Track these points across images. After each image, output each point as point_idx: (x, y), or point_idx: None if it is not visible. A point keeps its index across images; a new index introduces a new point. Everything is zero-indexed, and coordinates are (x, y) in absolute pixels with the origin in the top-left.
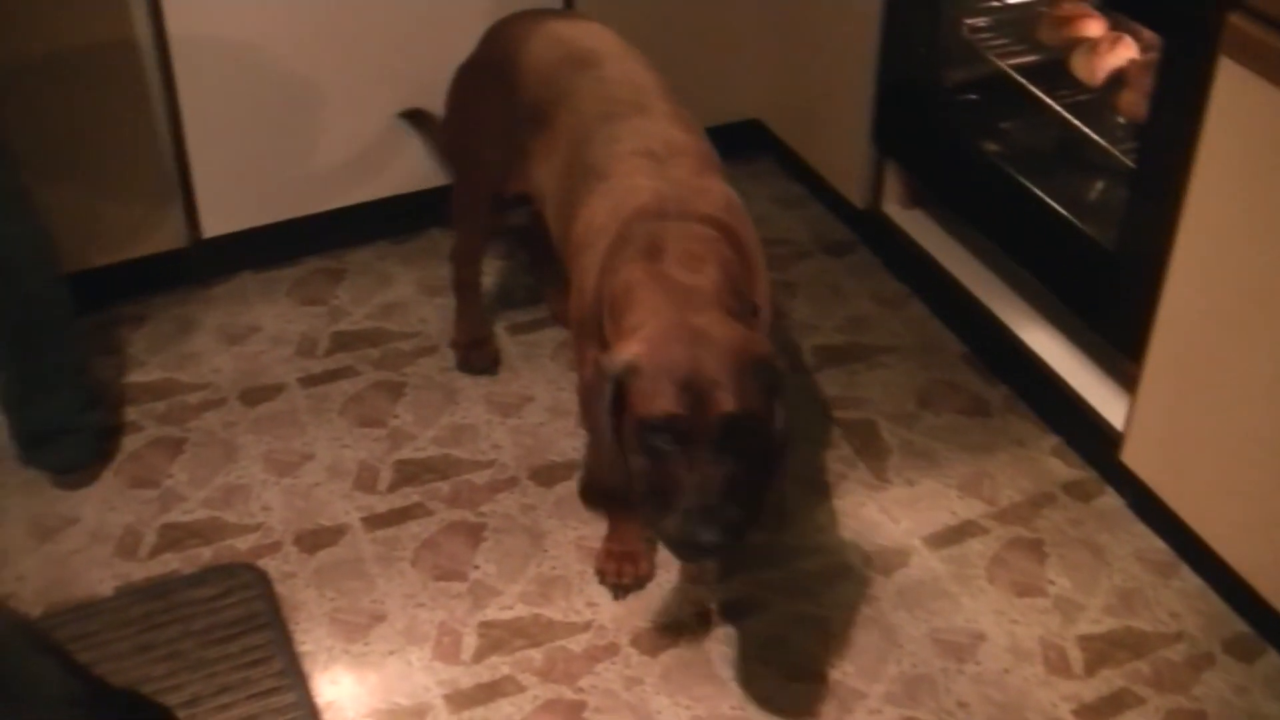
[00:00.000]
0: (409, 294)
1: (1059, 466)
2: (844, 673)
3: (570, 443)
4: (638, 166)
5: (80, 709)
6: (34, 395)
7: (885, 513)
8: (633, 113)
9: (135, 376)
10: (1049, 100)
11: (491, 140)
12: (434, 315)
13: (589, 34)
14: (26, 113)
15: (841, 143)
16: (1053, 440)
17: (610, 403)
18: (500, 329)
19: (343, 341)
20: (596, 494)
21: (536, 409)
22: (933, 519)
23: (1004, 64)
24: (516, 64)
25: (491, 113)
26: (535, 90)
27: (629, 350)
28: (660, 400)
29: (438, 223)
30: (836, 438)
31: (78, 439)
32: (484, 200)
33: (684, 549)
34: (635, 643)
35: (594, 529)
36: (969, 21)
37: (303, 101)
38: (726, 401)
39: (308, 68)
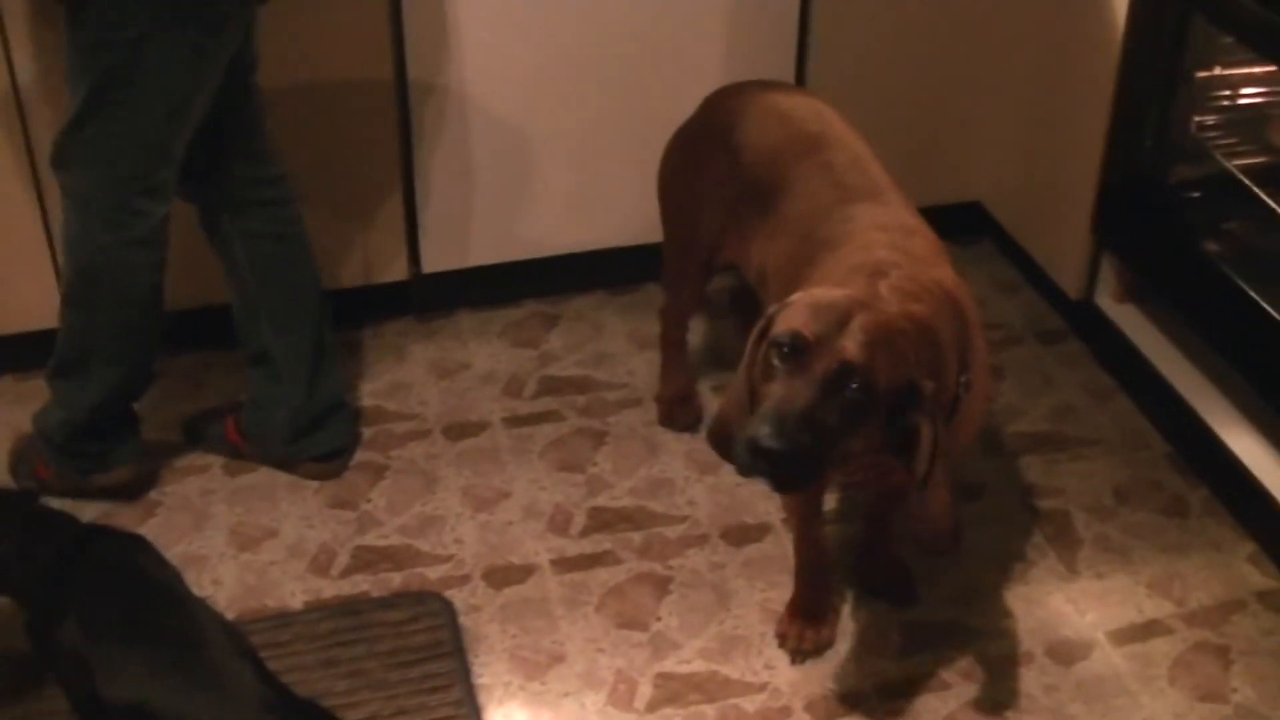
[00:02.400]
0: (620, 345)
1: (1254, 574)
2: None
3: (765, 506)
4: (875, 240)
5: (273, 714)
6: (324, 367)
7: (1072, 603)
8: (867, 198)
9: (349, 401)
10: (1275, 205)
11: (707, 209)
12: (642, 368)
13: (813, 114)
14: (283, 133)
15: (1061, 231)
16: (1250, 547)
17: (759, 334)
18: (705, 387)
19: (551, 386)
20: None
21: (733, 469)
22: (1119, 614)
23: (1231, 164)
24: (737, 138)
25: (708, 182)
26: (757, 169)
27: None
28: (793, 320)
29: (654, 278)
30: (1030, 524)
31: (343, 418)
32: (695, 265)
33: (745, 449)
34: (810, 708)
35: (780, 593)
36: (1198, 119)
37: (530, 149)
38: (852, 351)
39: (536, 117)
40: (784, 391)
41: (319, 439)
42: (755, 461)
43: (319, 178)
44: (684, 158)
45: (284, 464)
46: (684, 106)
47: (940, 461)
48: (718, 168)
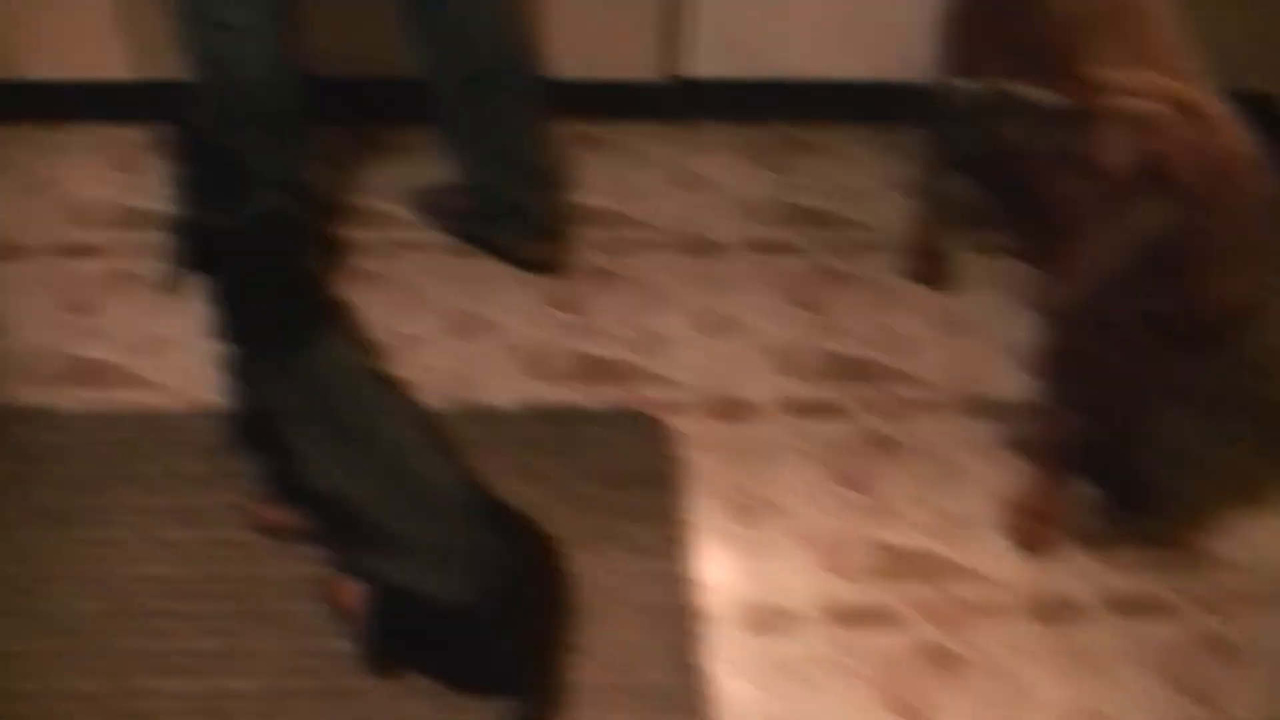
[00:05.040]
0: (873, 185)
1: None
2: (1234, 702)
3: (1008, 383)
4: None
5: (474, 516)
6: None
7: None
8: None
9: (580, 199)
10: None
11: (991, 59)
12: (891, 213)
13: None
14: None
15: None
16: None
17: None
18: (958, 244)
19: (794, 215)
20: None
21: (980, 337)
22: None
23: None
24: None
25: (1001, 33)
26: (1057, 29)
27: None
28: None
29: (914, 119)
30: None
31: (527, 216)
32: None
33: None
34: (1030, 608)
35: (1012, 478)
36: None
37: None
38: None
39: None
40: None
41: (523, 220)
42: None
43: None
44: (978, 4)
45: (496, 248)
46: None
47: None
48: (1014, 20)
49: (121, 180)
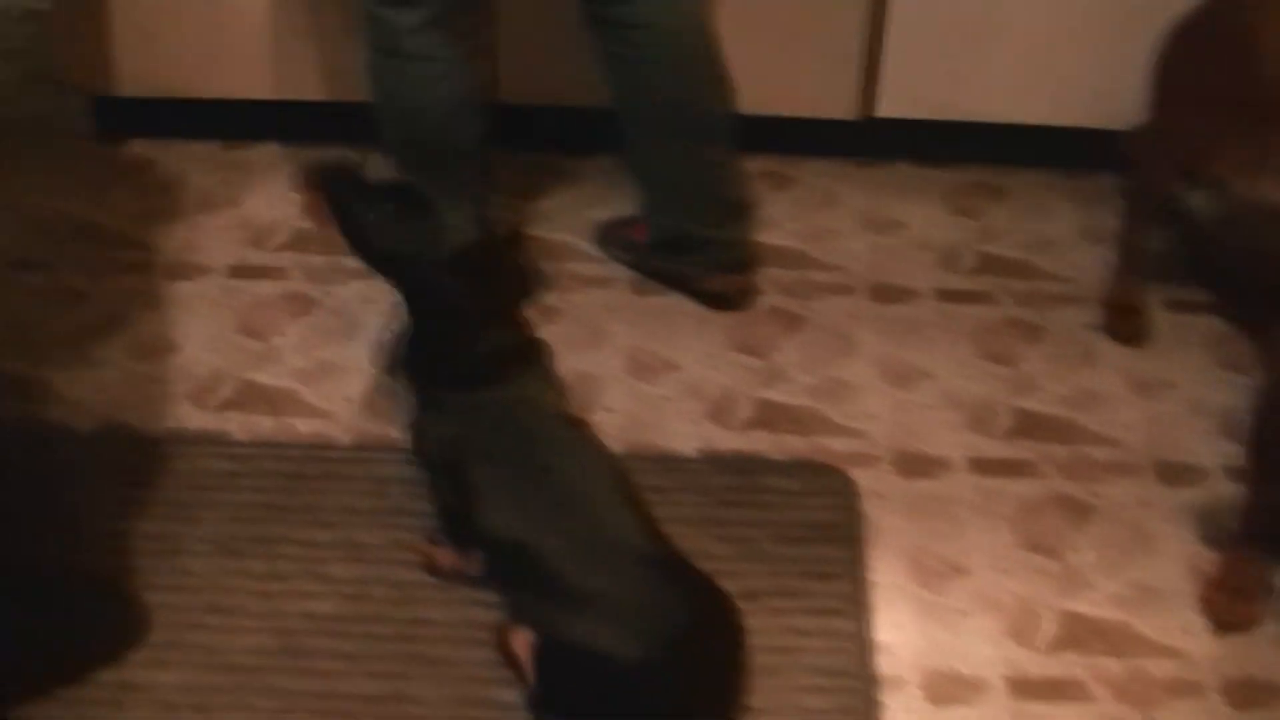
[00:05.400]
0: (1067, 234)
1: None
2: None
3: (1207, 448)
4: None
5: (649, 569)
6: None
7: None
8: None
9: (766, 238)
10: None
11: (1205, 114)
12: (1089, 264)
13: None
14: None
15: None
16: None
17: None
18: (1155, 300)
19: (989, 264)
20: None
21: (1176, 398)
22: None
23: None
24: (1260, 42)
25: (1214, 85)
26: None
27: None
28: None
29: (1112, 168)
30: None
31: (715, 248)
32: (1174, 167)
33: None
34: (1224, 690)
35: (1209, 550)
36: None
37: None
38: None
39: None
40: None
41: (710, 253)
42: None
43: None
44: (1188, 52)
45: (682, 282)
46: None
47: None
48: (1228, 71)
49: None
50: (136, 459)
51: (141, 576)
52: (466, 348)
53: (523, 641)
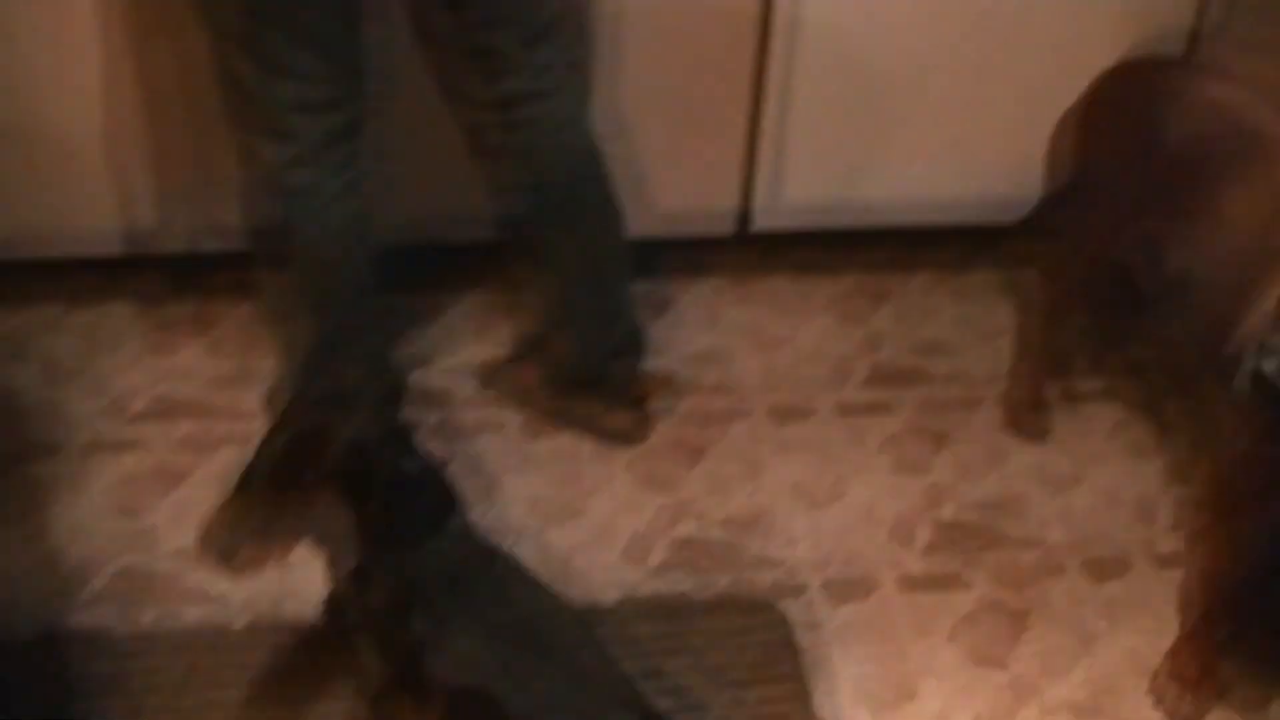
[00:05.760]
0: (954, 334)
1: None
2: None
3: (1124, 536)
4: None
5: (632, 713)
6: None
7: None
8: None
9: (655, 364)
10: None
11: (1109, 200)
12: (980, 363)
13: (1248, 106)
14: (628, 57)
15: None
16: None
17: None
18: (1051, 392)
19: (882, 373)
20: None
21: (1089, 491)
22: None
23: None
24: (1162, 126)
25: (1118, 170)
26: (1183, 165)
27: None
28: None
29: (988, 263)
30: None
31: (613, 386)
32: (1084, 257)
33: None
34: None
35: (1148, 640)
36: None
37: (887, 103)
38: None
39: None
40: None
41: (608, 387)
42: None
43: (658, 109)
44: (1092, 139)
45: (581, 421)
46: (1072, 75)
47: None
48: (1132, 155)
49: (159, 366)
50: (7, 669)
51: None
52: (399, 505)
53: None
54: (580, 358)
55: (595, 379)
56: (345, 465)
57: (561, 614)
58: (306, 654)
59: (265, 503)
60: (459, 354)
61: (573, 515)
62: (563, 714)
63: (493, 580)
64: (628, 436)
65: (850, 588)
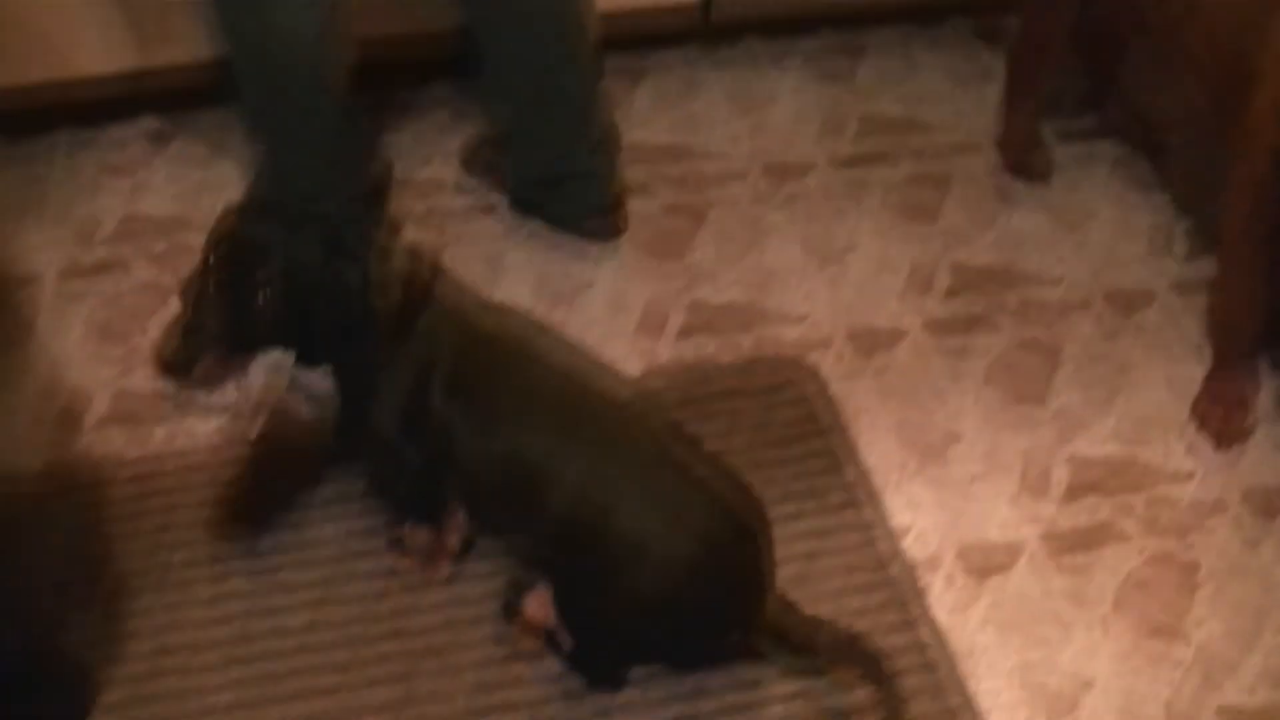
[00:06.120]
0: (939, 84)
1: None
2: None
3: (1146, 269)
4: None
5: (677, 466)
6: (545, 133)
7: None
8: None
9: (641, 135)
10: None
11: None
12: (970, 110)
13: None
14: None
15: None
16: None
17: None
18: (1046, 133)
19: (873, 125)
20: (1221, 327)
21: (1101, 226)
22: None
23: None
24: None
25: None
26: None
27: None
28: None
29: (961, 10)
30: None
31: (586, 184)
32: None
33: None
34: (1246, 501)
35: (1185, 368)
36: None
37: None
38: None
39: None
40: None
41: (555, 203)
42: None
43: None
44: None
45: (557, 220)
46: None
47: None
48: None
49: (119, 187)
50: (19, 507)
51: (73, 634)
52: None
53: (539, 601)
54: (553, 159)
55: (569, 178)
56: (285, 278)
57: (590, 364)
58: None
59: (214, 313)
60: (440, 142)
61: (581, 289)
62: (616, 476)
63: (508, 350)
64: (605, 235)
65: (877, 338)
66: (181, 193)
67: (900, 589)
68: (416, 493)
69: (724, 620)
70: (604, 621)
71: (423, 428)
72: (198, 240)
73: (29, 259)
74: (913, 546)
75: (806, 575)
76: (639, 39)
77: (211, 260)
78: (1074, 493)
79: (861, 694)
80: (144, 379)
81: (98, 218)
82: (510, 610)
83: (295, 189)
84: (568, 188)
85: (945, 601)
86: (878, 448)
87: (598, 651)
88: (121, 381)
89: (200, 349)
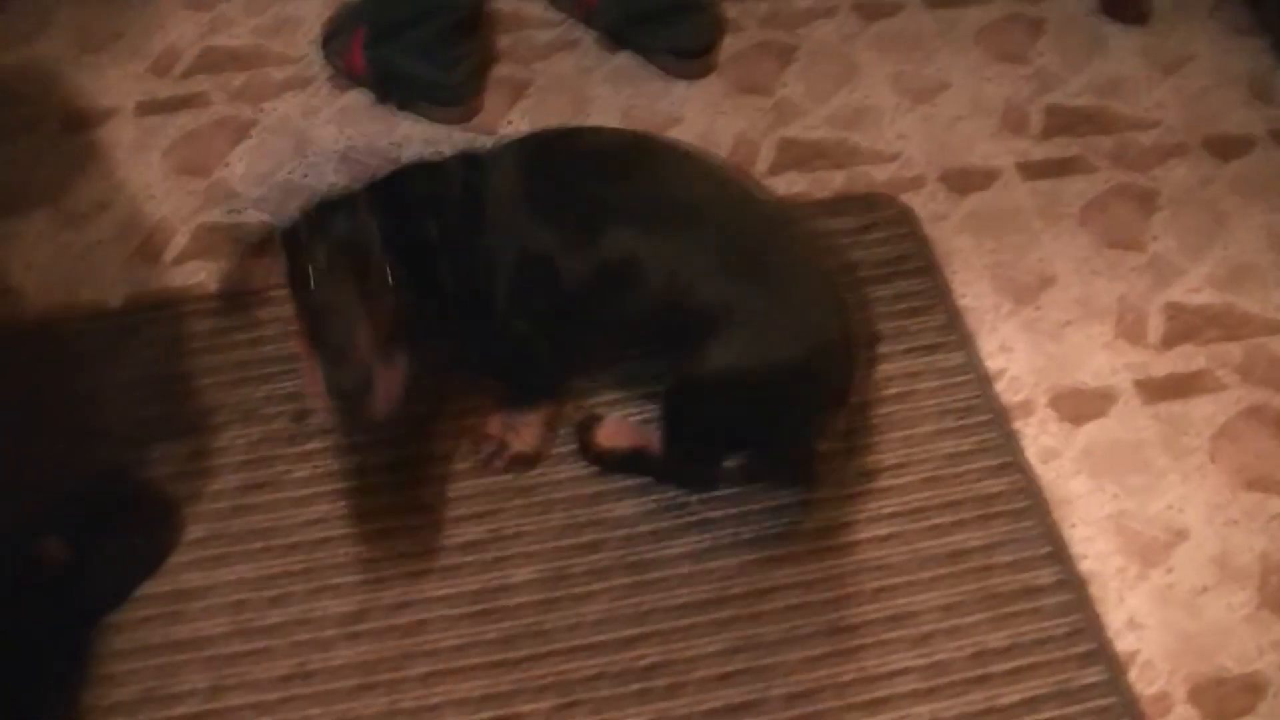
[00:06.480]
0: None
1: None
2: None
3: (1245, 114)
4: None
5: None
6: None
7: None
8: None
9: None
10: None
11: None
12: None
13: None
14: None
15: None
16: None
17: None
18: None
19: None
20: None
21: (1199, 70)
22: None
23: None
24: None
25: None
26: None
27: None
28: None
29: None
30: None
31: (699, 20)
32: None
33: None
34: None
35: None
36: None
37: None
38: None
39: None
40: None
41: (663, 35)
42: None
43: None
44: None
45: (640, 49)
46: None
47: None
48: None
49: (197, 20)
50: (102, 339)
51: (157, 470)
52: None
53: (608, 430)
54: None
55: (663, 14)
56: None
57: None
58: None
59: (352, 326)
60: None
61: (670, 125)
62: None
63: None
64: (694, 75)
65: (970, 177)
66: (260, 25)
67: (993, 434)
68: (548, 373)
69: (821, 406)
70: (718, 401)
71: (544, 302)
72: (277, 75)
73: (107, 92)
74: (1005, 391)
75: (901, 420)
76: None
77: (313, 283)
78: (1170, 340)
79: None
80: (223, 213)
81: (176, 50)
82: (585, 446)
83: (395, 13)
84: (664, 22)
85: (1038, 447)
86: (971, 289)
87: (697, 446)
88: (201, 215)
89: (362, 368)
